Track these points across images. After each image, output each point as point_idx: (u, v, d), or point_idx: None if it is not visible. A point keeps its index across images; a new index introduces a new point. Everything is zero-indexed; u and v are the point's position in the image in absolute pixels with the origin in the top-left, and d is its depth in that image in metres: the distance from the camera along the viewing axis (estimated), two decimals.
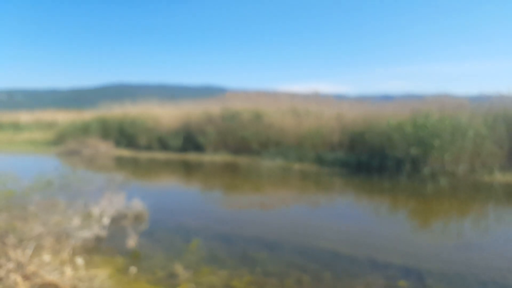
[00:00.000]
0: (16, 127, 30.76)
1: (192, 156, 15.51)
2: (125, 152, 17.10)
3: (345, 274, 4.39)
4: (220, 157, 15.11)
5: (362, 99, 19.02)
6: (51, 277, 3.88)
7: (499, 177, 10.26)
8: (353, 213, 7.46)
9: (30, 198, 5.56)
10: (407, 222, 6.91)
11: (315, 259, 4.84)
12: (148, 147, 17.79)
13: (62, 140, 19.37)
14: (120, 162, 14.63)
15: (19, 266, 3.96)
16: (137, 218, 6.48)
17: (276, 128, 15.54)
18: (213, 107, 17.83)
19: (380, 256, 4.93)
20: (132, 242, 5.24)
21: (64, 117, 28.81)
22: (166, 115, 18.74)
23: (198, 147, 16.42)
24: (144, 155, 16.29)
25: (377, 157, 11.98)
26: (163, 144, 17.52)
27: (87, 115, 23.29)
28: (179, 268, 4.45)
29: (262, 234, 5.90)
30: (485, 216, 7.43)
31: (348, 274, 4.40)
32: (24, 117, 32.90)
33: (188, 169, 13.20)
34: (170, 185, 10.63)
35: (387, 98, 21.03)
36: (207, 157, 15.16)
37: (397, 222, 6.86)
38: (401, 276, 4.36)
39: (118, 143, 18.35)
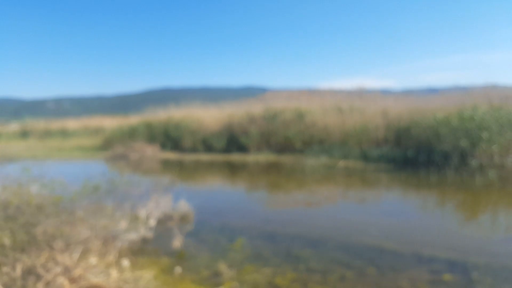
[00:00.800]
0: (65, 134, 31.74)
1: (235, 157, 15.62)
2: (171, 155, 17.38)
3: (390, 269, 4.32)
4: (264, 157, 15.15)
5: (407, 93, 18.72)
6: (97, 279, 3.97)
7: None
8: (399, 208, 7.33)
9: (78, 203, 5.70)
10: (454, 216, 6.74)
11: (359, 255, 4.78)
12: (193, 149, 18.03)
13: (109, 145, 19.82)
14: (166, 165, 14.88)
15: (66, 270, 4.07)
16: (183, 219, 6.57)
17: (320, 126, 15.44)
18: (255, 108, 17.92)
19: (426, 251, 4.82)
20: (177, 242, 5.32)
21: (110, 122, 29.54)
22: (209, 117, 18.95)
23: (241, 148, 16.53)
24: (189, 157, 16.51)
25: (423, 151, 11.72)
26: (207, 145, 17.72)
27: (133, 120, 23.81)
28: (223, 267, 4.48)
29: (306, 232, 5.87)
30: None
31: (393, 269, 4.32)
32: (72, 124, 34.04)
33: (232, 170, 13.29)
34: (215, 185, 10.73)
35: (433, 91, 20.66)
36: (251, 157, 15.24)
37: (444, 216, 6.70)
38: (446, 269, 4.26)
39: (163, 146, 18.66)
